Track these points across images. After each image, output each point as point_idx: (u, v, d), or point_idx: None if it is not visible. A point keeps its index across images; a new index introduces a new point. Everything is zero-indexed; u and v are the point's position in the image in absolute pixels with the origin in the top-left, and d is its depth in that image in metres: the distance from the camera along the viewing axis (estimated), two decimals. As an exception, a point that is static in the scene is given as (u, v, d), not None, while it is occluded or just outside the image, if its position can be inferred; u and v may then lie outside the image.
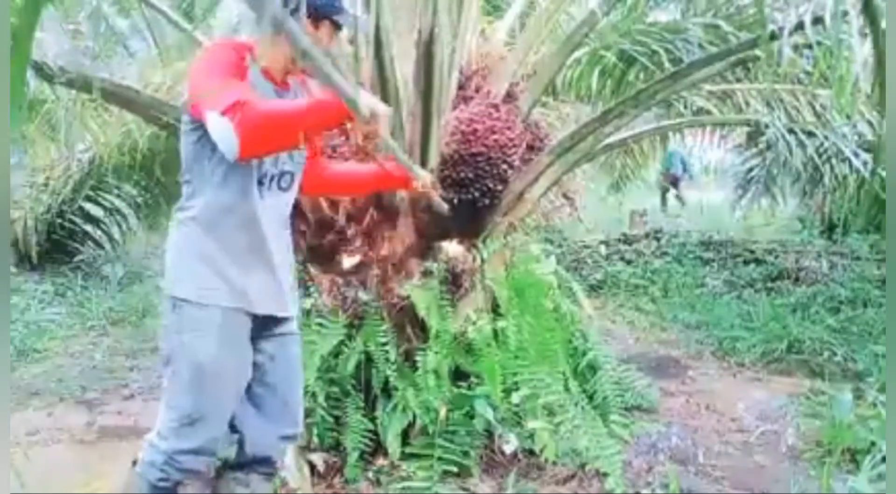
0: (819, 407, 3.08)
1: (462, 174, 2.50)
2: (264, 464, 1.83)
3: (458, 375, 2.51)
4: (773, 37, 2.37)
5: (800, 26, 2.25)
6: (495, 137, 2.51)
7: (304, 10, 1.53)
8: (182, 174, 1.65)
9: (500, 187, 2.58)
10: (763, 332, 4.25)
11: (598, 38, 3.84)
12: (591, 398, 2.83)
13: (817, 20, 2.17)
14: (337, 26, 1.64)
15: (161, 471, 1.64)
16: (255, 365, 1.74)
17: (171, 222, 1.70)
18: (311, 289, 2.66)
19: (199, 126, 1.53)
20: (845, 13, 2.08)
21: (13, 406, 3.26)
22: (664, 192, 12.21)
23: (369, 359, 2.46)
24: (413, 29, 2.42)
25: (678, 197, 12.03)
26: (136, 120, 4.49)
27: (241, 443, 1.82)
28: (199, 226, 1.61)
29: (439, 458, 2.35)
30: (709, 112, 4.31)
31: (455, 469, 2.37)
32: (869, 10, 2.06)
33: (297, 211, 2.62)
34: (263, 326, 1.71)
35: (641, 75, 3.91)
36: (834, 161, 4.35)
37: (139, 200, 6.67)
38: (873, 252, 6.48)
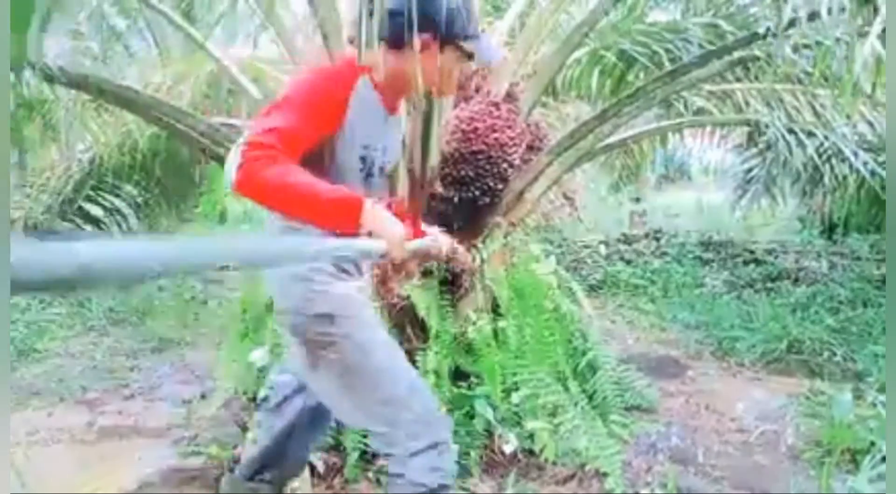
0: (819, 407, 3.07)
1: (462, 172, 2.50)
2: (290, 468, 1.83)
3: (458, 375, 2.51)
4: (772, 34, 2.37)
5: (794, 22, 2.25)
6: (496, 135, 2.51)
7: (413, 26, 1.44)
8: None
9: (500, 186, 2.58)
10: (763, 332, 4.25)
11: (598, 38, 3.85)
12: (590, 398, 2.83)
13: (814, 16, 2.17)
14: (466, 54, 1.55)
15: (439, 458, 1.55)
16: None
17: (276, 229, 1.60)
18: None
19: None
20: (843, 9, 2.08)
21: (13, 406, 3.26)
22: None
23: (369, 359, 2.46)
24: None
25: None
26: (136, 120, 4.50)
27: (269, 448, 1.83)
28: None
29: (439, 458, 2.35)
30: (709, 112, 4.32)
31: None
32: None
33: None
34: None
35: (641, 75, 3.92)
36: (834, 161, 4.36)
37: (139, 200, 6.67)
38: (873, 252, 6.48)
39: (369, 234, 1.36)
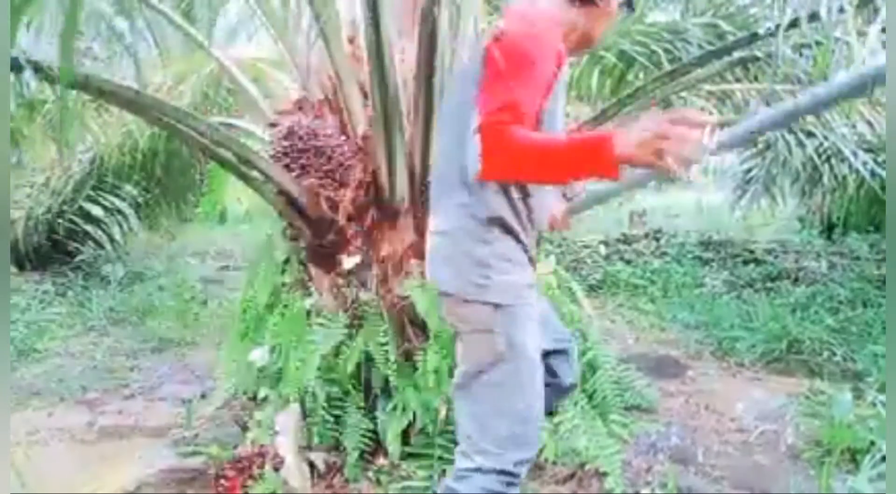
0: (818, 407, 3.08)
1: (462, 174, 2.51)
2: None
3: (458, 375, 2.51)
4: (771, 34, 2.38)
5: (795, 23, 2.25)
6: (495, 136, 2.51)
7: None
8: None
9: (499, 187, 2.58)
10: (762, 332, 4.26)
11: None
12: (590, 397, 2.83)
13: (813, 16, 2.18)
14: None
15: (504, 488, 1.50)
16: None
17: (448, 221, 1.57)
18: (312, 289, 2.67)
19: None
20: (841, 10, 2.09)
21: (13, 406, 3.27)
22: None
23: (369, 359, 2.47)
24: (413, 28, 2.42)
25: None
26: (137, 120, 4.50)
27: None
28: (494, 223, 1.52)
29: (439, 458, 2.35)
30: (708, 112, 4.32)
31: (455, 469, 2.37)
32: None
33: (297, 211, 2.63)
34: None
35: (641, 75, 3.92)
36: (833, 161, 4.37)
37: (139, 200, 6.69)
38: (873, 252, 6.49)
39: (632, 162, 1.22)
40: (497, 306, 1.49)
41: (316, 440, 2.45)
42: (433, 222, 1.64)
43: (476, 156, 1.33)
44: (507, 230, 1.53)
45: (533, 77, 1.37)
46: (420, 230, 2.59)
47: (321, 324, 2.48)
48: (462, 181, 1.51)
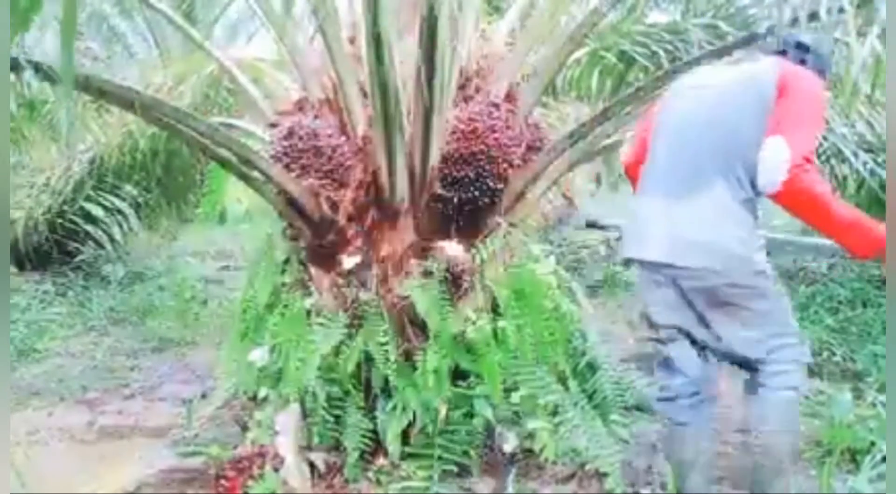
0: (818, 407, 3.07)
1: (462, 173, 2.51)
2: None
3: (458, 374, 2.52)
4: (770, 34, 2.37)
5: (794, 23, 2.25)
6: (496, 135, 2.51)
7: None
8: (732, 161, 1.92)
9: (500, 186, 2.58)
10: (762, 332, 4.25)
11: (598, 38, 3.85)
12: (590, 397, 2.82)
13: (813, 16, 2.18)
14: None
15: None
16: None
17: (724, 206, 1.93)
18: (312, 289, 2.67)
19: None
20: (841, 10, 2.09)
21: (13, 406, 3.27)
22: None
23: (369, 359, 2.47)
24: (413, 28, 2.42)
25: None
26: (137, 120, 4.50)
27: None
28: (750, 207, 1.94)
29: (439, 457, 2.36)
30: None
31: (455, 469, 2.37)
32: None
33: (297, 211, 2.63)
34: None
35: (641, 76, 3.93)
36: (833, 161, 4.37)
37: (139, 200, 6.68)
38: (873, 252, 6.48)
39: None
40: (760, 272, 1.98)
41: (316, 440, 2.46)
42: (691, 209, 1.97)
43: (774, 175, 1.76)
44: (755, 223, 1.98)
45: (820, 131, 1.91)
46: (420, 231, 2.60)
47: (321, 324, 2.48)
48: (739, 184, 1.90)
